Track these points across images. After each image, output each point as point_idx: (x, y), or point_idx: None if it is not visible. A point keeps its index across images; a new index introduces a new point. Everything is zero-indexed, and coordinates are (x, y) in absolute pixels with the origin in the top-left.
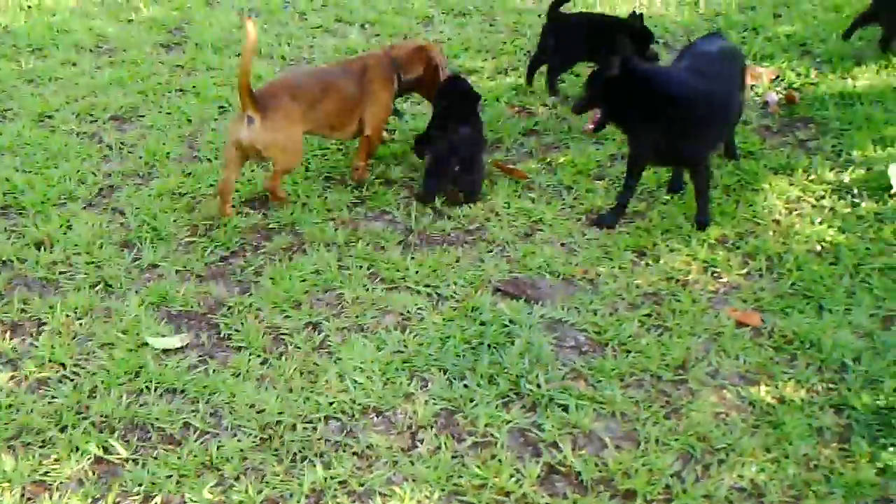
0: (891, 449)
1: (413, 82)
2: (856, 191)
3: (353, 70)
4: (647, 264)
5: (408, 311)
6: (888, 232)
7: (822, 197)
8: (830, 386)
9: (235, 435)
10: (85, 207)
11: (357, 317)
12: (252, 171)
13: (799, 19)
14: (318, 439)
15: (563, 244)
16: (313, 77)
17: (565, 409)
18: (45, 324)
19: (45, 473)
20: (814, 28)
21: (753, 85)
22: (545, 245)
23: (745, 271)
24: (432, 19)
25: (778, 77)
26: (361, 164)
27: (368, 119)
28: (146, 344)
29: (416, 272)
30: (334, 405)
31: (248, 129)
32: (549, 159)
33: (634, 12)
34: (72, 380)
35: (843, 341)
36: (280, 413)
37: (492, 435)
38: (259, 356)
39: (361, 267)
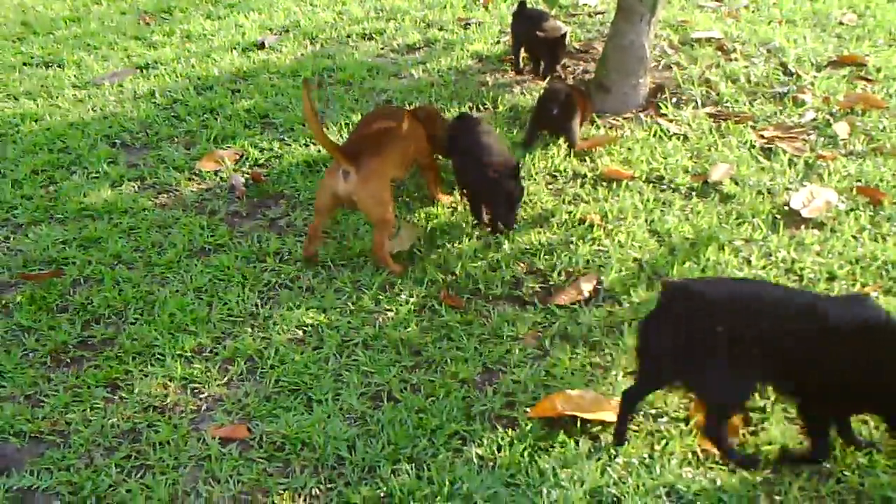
0: None
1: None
2: (330, 263)
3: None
4: (122, 398)
5: None
6: (367, 300)
7: (298, 278)
8: (329, 486)
9: None
10: None
11: None
12: None
13: (257, 91)
14: None
15: (27, 396)
16: (387, 126)
17: None
18: None
19: None
20: (273, 98)
21: (218, 171)
22: (6, 403)
23: (226, 379)
24: None
25: (242, 157)
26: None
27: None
28: None
29: None
30: None
31: (345, 182)
32: (5, 301)
33: None
34: None
35: (335, 432)
36: None
37: None
38: None
39: None
